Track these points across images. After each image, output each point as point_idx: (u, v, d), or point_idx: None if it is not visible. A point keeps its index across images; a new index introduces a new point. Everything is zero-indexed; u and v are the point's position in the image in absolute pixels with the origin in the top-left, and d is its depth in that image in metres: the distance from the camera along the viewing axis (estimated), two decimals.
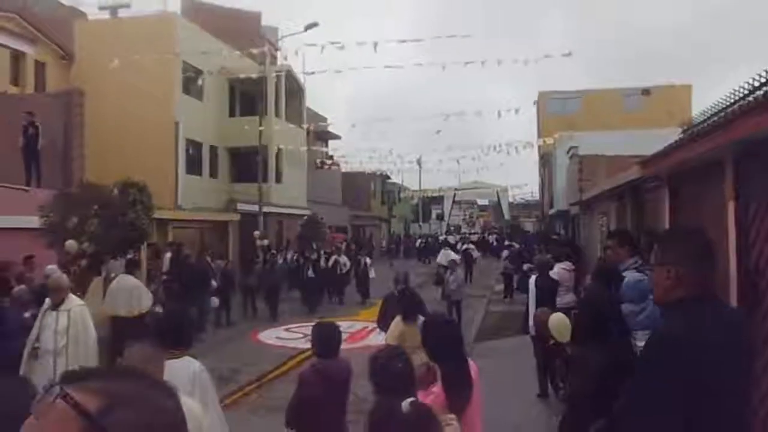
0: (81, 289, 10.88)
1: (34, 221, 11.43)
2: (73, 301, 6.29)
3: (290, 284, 19.20)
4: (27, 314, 8.46)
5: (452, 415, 2.55)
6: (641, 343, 2.88)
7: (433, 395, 3.24)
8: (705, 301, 2.32)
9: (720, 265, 5.03)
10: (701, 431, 2.09)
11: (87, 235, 11.38)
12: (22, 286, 8.84)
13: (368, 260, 20.96)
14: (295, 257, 20.32)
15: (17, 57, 21.46)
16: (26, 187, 13.81)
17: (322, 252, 20.66)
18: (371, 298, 18.62)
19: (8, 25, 20.88)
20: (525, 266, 13.82)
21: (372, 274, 20.34)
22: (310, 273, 18.54)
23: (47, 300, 6.33)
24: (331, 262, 19.84)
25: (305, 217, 24.48)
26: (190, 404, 2.81)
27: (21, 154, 15.09)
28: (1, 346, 7.92)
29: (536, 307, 8.19)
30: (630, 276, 5.50)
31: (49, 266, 10.06)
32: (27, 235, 11.57)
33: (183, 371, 3.58)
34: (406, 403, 2.61)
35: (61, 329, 5.99)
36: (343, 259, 20.31)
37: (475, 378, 3.42)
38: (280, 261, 18.42)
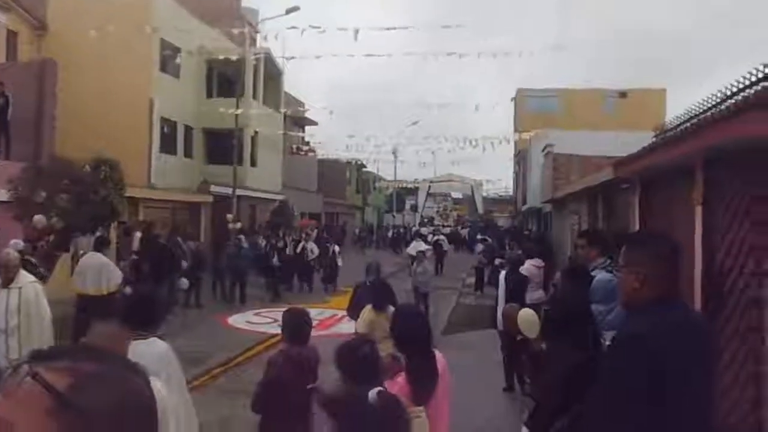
0: (48, 265, 10.74)
1: (1, 194, 11.20)
2: (25, 278, 5.97)
3: (257, 270, 18.71)
4: None
5: (420, 408, 2.57)
6: (609, 343, 2.95)
7: (397, 385, 3.28)
8: (669, 304, 2.38)
9: (685, 268, 5.14)
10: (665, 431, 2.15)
11: (56, 210, 11.22)
12: None
13: (337, 248, 20.71)
14: (263, 243, 19.84)
15: None
16: None
17: (289, 239, 20.28)
18: (338, 287, 18.57)
19: None
20: (496, 261, 13.93)
21: (340, 262, 20.12)
22: (275, 260, 18.19)
23: None
24: (299, 249, 19.50)
25: (276, 203, 24.10)
26: (156, 385, 2.78)
27: None
28: None
29: (505, 302, 8.28)
30: (599, 276, 5.58)
31: (13, 240, 9.87)
32: None
33: (150, 352, 3.55)
34: (373, 393, 2.63)
35: (12, 308, 5.72)
36: (311, 245, 19.86)
37: (442, 370, 3.46)
38: (246, 245, 17.86)
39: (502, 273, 9.01)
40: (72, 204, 11.31)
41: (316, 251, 19.75)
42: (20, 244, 9.73)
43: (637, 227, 9.58)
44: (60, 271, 11.41)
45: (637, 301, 2.41)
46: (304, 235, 21.27)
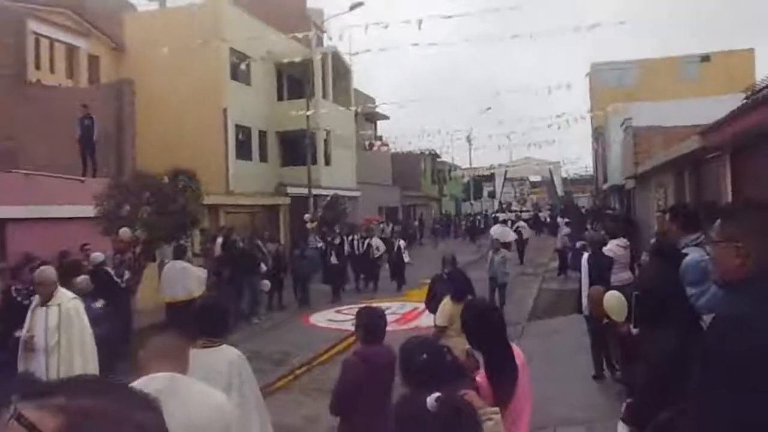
0: (136, 276, 11.17)
1: (89, 210, 11.71)
2: (64, 295, 5.74)
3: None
4: (98, 304, 8.69)
5: (494, 408, 2.39)
6: (708, 326, 2.67)
7: (477, 384, 3.10)
8: None
9: None
10: None
11: (140, 222, 11.62)
12: (85, 276, 8.99)
13: (402, 243, 19.72)
14: (318, 243, 18.82)
15: (71, 51, 22.02)
16: (81, 178, 14.19)
17: (349, 237, 19.38)
18: (405, 284, 17.99)
19: (62, 21, 21.43)
20: (578, 244, 13.36)
21: (407, 258, 19.15)
22: (333, 259, 17.42)
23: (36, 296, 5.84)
24: (364, 246, 18.72)
25: (328, 198, 22.96)
26: (215, 397, 2.72)
27: (78, 146, 15.52)
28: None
29: (589, 285, 7.92)
30: (690, 255, 5.16)
31: (95, 253, 10.29)
32: (83, 224, 11.88)
33: (220, 361, 3.53)
34: (431, 399, 2.46)
35: (51, 326, 5.49)
36: (376, 242, 18.95)
37: (521, 365, 3.25)
38: (313, 246, 17.48)
39: (585, 255, 8.62)
40: (154, 215, 11.68)
41: (382, 248, 18.96)
42: (101, 256, 10.15)
43: (729, 199, 8.96)
44: (147, 280, 11.83)
45: (736, 277, 2.15)
46: (365, 230, 20.81)
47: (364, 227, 22.43)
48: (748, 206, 2.37)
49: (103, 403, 0.84)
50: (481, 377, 3.08)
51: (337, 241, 18.44)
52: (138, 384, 2.58)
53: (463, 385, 2.76)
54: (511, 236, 23.15)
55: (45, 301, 5.59)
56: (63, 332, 5.48)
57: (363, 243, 18.88)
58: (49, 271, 5.81)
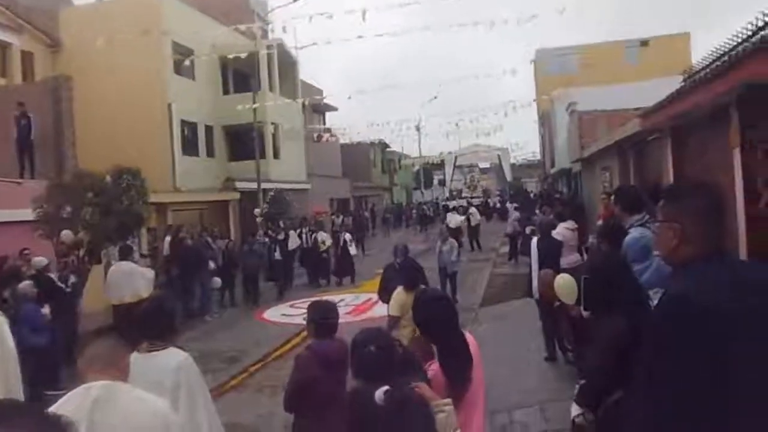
0: (81, 279, 10.82)
1: (27, 214, 11.27)
2: None
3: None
4: (45, 310, 8.40)
5: (446, 400, 2.36)
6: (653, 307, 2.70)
7: (431, 372, 3.07)
8: (713, 261, 2.13)
9: (728, 217, 4.82)
10: (722, 402, 1.91)
11: (82, 224, 11.25)
12: (28, 282, 8.70)
13: (348, 237, 19.21)
14: (263, 238, 18.03)
15: (3, 48, 21.13)
16: (18, 180, 13.63)
17: (294, 230, 19.12)
18: (356, 278, 17.76)
19: None
20: (527, 229, 13.51)
21: (353, 251, 18.85)
22: (277, 255, 16.91)
23: None
24: (311, 240, 18.39)
25: (271, 193, 22.30)
26: (154, 403, 2.63)
27: (15, 147, 14.92)
28: (29, 340, 7.87)
29: (539, 269, 8.02)
30: (630, 234, 5.28)
31: (36, 258, 9.93)
32: (22, 228, 11.43)
33: (166, 364, 3.42)
34: (380, 392, 2.42)
35: None
36: (322, 235, 18.60)
37: (474, 354, 3.23)
38: (260, 242, 16.96)
39: (534, 239, 8.73)
40: (97, 216, 11.32)
41: (329, 241, 18.57)
42: (44, 261, 9.79)
43: (671, 179, 9.20)
44: (92, 283, 11.48)
45: (679, 258, 2.17)
46: (314, 224, 20.54)
47: (312, 221, 22.12)
48: (687, 188, 2.40)
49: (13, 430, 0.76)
50: (434, 368, 3.05)
51: (281, 236, 18.04)
52: (74, 393, 2.48)
53: (413, 377, 2.73)
54: (458, 221, 23.30)
55: None
56: None
57: (310, 237, 18.61)
58: None
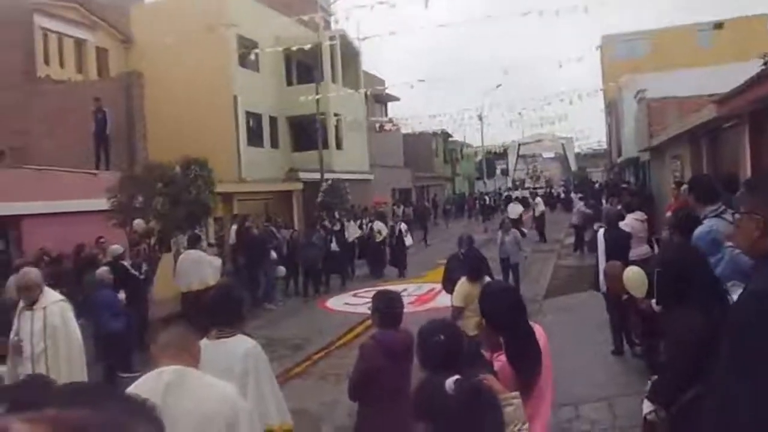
0: (152, 266, 11.22)
1: (102, 204, 11.76)
2: (50, 297, 5.32)
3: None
4: (121, 296, 8.79)
5: (514, 393, 2.33)
6: (736, 296, 2.59)
7: (499, 364, 3.04)
8: None
9: None
10: None
11: (153, 214, 11.66)
12: (105, 268, 9.08)
13: (404, 227, 18.69)
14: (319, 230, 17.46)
15: (79, 45, 22.06)
16: (93, 171, 14.23)
17: (353, 220, 19.14)
18: (406, 270, 17.54)
19: (70, 15, 21.44)
20: (595, 225, 13.01)
21: (408, 241, 18.44)
22: (334, 246, 16.49)
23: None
24: (366, 230, 18.24)
25: (328, 182, 22.08)
26: (223, 388, 2.72)
27: (93, 140, 15.58)
28: (108, 325, 8.27)
29: (606, 261, 7.81)
30: (699, 228, 5.06)
31: (113, 246, 10.34)
32: (96, 217, 11.94)
33: (235, 351, 3.50)
34: (450, 382, 2.41)
35: (37, 331, 5.11)
36: (379, 225, 18.23)
37: (543, 346, 3.18)
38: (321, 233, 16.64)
39: (601, 231, 8.50)
40: (167, 206, 11.71)
41: (385, 231, 18.23)
42: (119, 249, 10.19)
43: (748, 169, 8.79)
44: (164, 269, 11.89)
45: (759, 251, 2.08)
46: (373, 214, 20.22)
47: (372, 210, 21.88)
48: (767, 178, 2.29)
49: (98, 415, 0.78)
50: (501, 361, 3.02)
51: (338, 227, 17.89)
52: (147, 377, 2.58)
53: (481, 369, 2.71)
54: (518, 211, 22.98)
55: (30, 305, 5.22)
56: (49, 337, 5.14)
57: (367, 227, 18.54)
58: (33, 274, 5.42)
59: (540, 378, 3.10)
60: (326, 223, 18.17)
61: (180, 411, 2.41)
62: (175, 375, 2.57)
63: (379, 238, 18.05)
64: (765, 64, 8.41)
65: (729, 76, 10.83)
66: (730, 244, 4.46)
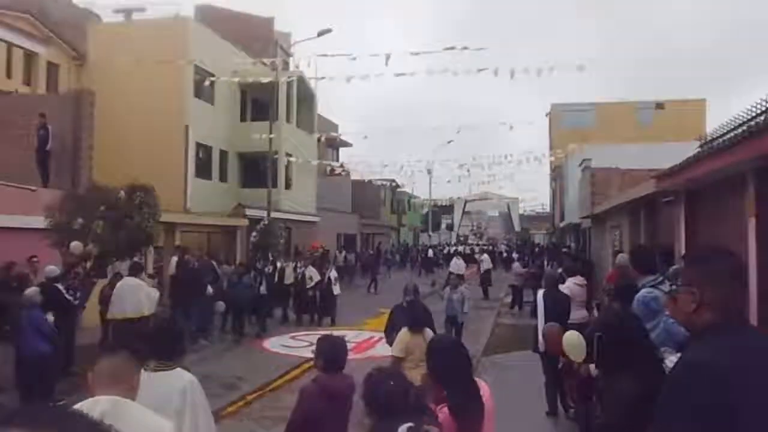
0: (86, 291, 10.80)
1: (39, 221, 11.32)
2: None
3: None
4: (49, 318, 8.38)
5: None
6: (670, 364, 2.68)
7: (442, 416, 3.04)
8: (733, 329, 2.12)
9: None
10: None
11: (92, 237, 11.27)
12: (35, 287, 8.69)
13: (334, 275, 17.96)
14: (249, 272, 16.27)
15: (30, 57, 21.55)
16: (32, 187, 13.71)
17: (278, 264, 18.28)
18: (334, 320, 16.89)
19: (22, 25, 20.99)
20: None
21: (336, 290, 17.67)
22: (263, 289, 15.80)
23: None
24: (299, 276, 17.50)
25: (262, 223, 21.07)
26: (158, 423, 2.63)
27: (35, 155, 15.08)
28: (34, 347, 7.85)
29: (545, 323, 7.95)
30: (639, 294, 5.26)
31: (49, 266, 9.95)
32: (32, 235, 11.47)
33: (173, 384, 3.40)
34: (403, 429, 2.41)
35: None
36: (310, 271, 17.46)
37: (487, 402, 3.21)
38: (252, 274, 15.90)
39: (540, 292, 8.67)
40: (108, 230, 11.35)
41: (316, 277, 17.36)
42: (56, 270, 9.80)
43: (683, 242, 9.20)
44: (94, 297, 11.46)
45: (698, 324, 2.16)
46: (306, 258, 19.37)
47: (306, 255, 21.06)
48: (708, 253, 2.40)
49: None
50: (444, 413, 3.02)
51: (269, 269, 17.27)
52: (82, 406, 2.47)
53: (426, 419, 2.71)
54: (461, 267, 23.04)
55: None
56: None
57: (300, 272, 17.71)
58: None
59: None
60: (258, 264, 17.48)
61: None
62: (111, 405, 2.45)
63: (309, 284, 17.23)
64: (701, 146, 8.91)
65: (668, 153, 11.44)
66: (667, 312, 4.64)
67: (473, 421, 3.05)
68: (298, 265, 18.38)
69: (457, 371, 3.17)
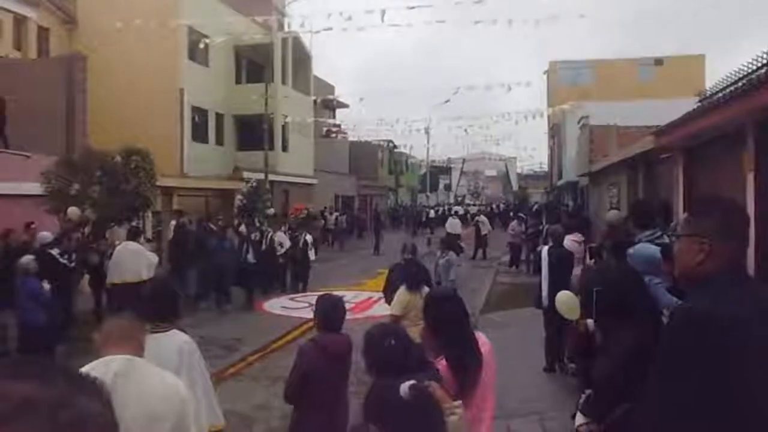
0: (83, 256, 10.81)
1: (35, 188, 11.27)
2: None
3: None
4: (46, 285, 8.36)
5: (457, 402, 2.35)
6: (667, 320, 2.68)
7: (440, 368, 3.06)
8: (736, 278, 2.11)
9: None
10: (738, 419, 1.89)
11: (89, 202, 11.25)
12: (30, 256, 8.63)
13: (309, 238, 16.37)
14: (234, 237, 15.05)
15: (20, 21, 21.15)
16: (27, 153, 13.60)
17: (264, 230, 16.20)
18: (307, 287, 15.41)
19: None
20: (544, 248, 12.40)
21: (312, 256, 16.35)
22: (250, 257, 14.21)
23: None
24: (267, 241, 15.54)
25: (250, 184, 19.48)
26: (171, 379, 2.67)
27: None
28: (31, 315, 7.88)
29: (550, 279, 7.98)
30: (640, 249, 5.23)
31: (42, 233, 9.93)
32: (28, 201, 11.44)
33: (169, 345, 3.43)
34: (404, 386, 2.42)
35: None
36: (279, 236, 15.94)
37: (486, 356, 3.23)
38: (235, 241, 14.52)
39: (545, 249, 8.67)
40: (104, 195, 11.32)
41: (286, 243, 15.86)
42: (49, 236, 9.79)
43: (681, 199, 9.19)
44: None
45: (699, 274, 2.14)
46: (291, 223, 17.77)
47: (293, 218, 19.75)
48: (715, 203, 2.38)
49: (46, 389, 0.75)
50: (442, 364, 3.04)
51: (256, 236, 15.36)
52: (96, 365, 2.50)
53: (427, 374, 2.72)
54: (457, 227, 22.90)
55: None
56: None
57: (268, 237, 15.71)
58: None
59: (480, 387, 3.14)
60: (242, 228, 15.76)
61: (130, 399, 2.35)
62: (123, 364, 2.53)
63: (280, 251, 15.79)
64: (700, 101, 8.83)
65: (667, 110, 11.34)
66: (657, 280, 4.65)
67: (471, 373, 3.07)
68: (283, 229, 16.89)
69: (454, 322, 3.19)
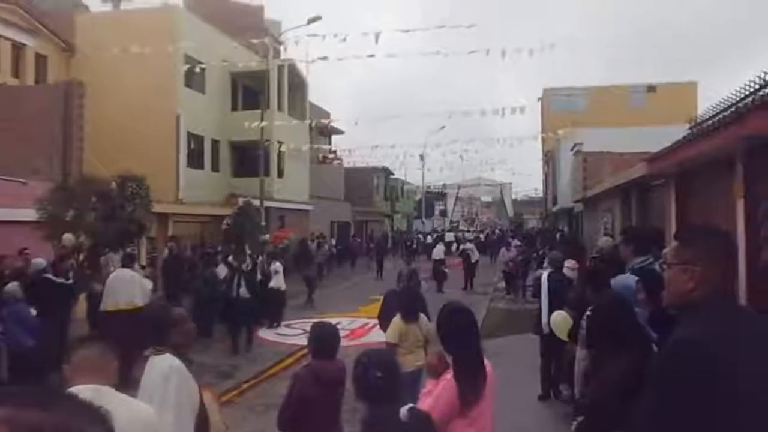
0: (78, 283, 10.77)
1: (30, 214, 11.28)
2: None
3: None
4: (33, 311, 8.34)
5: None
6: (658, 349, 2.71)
7: (445, 381, 3.14)
8: (725, 306, 2.14)
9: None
10: None
11: (84, 228, 11.25)
12: (15, 283, 8.59)
13: (279, 266, 14.71)
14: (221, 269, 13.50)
15: (18, 49, 21.33)
16: (22, 180, 13.63)
17: (260, 259, 14.81)
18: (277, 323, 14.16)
19: (9, 17, 20.73)
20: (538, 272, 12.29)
21: (282, 285, 14.51)
22: (243, 291, 12.17)
23: None
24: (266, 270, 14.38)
25: (237, 205, 17.49)
26: (141, 409, 2.69)
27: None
28: (18, 341, 7.84)
29: (549, 303, 7.97)
30: (618, 279, 5.22)
31: (37, 259, 9.91)
32: (23, 228, 11.43)
33: (154, 369, 3.45)
34: (404, 410, 2.46)
35: None
36: (276, 265, 14.60)
37: (489, 373, 3.30)
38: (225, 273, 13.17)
39: (544, 274, 8.69)
40: (100, 221, 11.33)
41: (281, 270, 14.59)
42: (43, 262, 9.77)
43: (673, 225, 9.25)
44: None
45: (688, 301, 2.18)
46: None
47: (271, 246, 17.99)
48: (703, 230, 2.42)
49: (52, 416, 0.78)
50: (448, 377, 3.15)
51: (248, 266, 13.46)
52: None
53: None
54: (441, 253, 22.33)
55: None
56: None
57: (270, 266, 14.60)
58: None
59: (482, 402, 3.19)
60: (230, 259, 13.77)
61: None
62: (93, 394, 2.50)
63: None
64: (691, 128, 8.94)
65: (659, 136, 11.47)
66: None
67: (477, 382, 3.16)
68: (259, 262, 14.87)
69: (465, 330, 3.32)
